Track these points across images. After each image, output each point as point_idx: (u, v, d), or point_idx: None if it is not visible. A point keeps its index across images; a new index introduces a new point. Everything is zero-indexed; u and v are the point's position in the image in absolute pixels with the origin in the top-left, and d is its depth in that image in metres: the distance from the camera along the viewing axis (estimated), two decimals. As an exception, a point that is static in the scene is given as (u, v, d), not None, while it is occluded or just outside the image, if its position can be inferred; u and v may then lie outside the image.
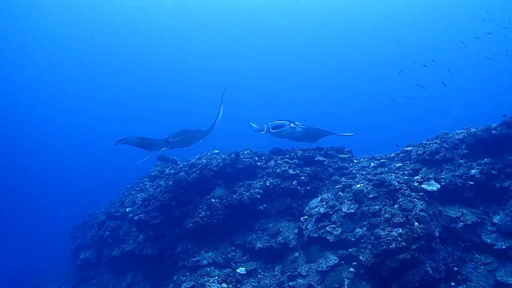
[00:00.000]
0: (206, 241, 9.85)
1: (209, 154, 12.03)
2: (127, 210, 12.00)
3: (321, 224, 8.44)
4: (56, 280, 16.23)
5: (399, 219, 7.57)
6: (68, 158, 52.52)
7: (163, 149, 10.12)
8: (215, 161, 11.06)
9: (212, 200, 9.93)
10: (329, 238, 8.09)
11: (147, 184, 12.94)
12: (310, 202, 9.38)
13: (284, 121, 11.14)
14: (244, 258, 9.27)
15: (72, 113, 60.49)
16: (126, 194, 13.23)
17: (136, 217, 10.77)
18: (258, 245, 9.13)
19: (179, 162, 13.13)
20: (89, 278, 12.56)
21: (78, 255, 13.04)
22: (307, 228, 8.64)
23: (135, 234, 11.22)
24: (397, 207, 7.95)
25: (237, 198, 9.85)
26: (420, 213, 7.68)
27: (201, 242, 9.86)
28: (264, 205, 9.92)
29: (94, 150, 54.64)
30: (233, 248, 9.58)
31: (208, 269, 9.17)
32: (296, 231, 9.20)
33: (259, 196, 9.92)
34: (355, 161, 11.40)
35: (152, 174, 13.40)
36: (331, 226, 8.28)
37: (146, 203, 11.03)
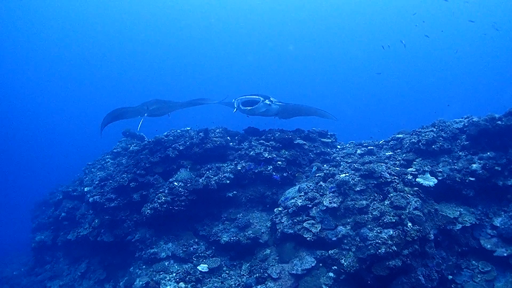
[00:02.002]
0: (166, 230, 8.11)
1: (178, 131, 10.22)
2: (85, 189, 10.13)
3: (297, 218, 6.78)
4: (17, 261, 14.38)
5: (391, 218, 6.07)
6: (43, 130, 49.44)
7: (145, 114, 9.29)
8: (182, 139, 9.25)
9: (175, 183, 8.13)
10: (306, 236, 6.45)
11: (108, 161, 11.05)
12: (286, 192, 7.70)
13: (256, 96, 9.17)
14: (208, 252, 7.57)
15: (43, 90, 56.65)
16: (87, 172, 11.31)
17: (91, 199, 8.97)
18: (224, 238, 7.42)
19: (146, 139, 11.29)
20: (45, 262, 10.81)
21: (34, 236, 11.21)
22: (282, 222, 6.97)
23: (90, 218, 9.44)
24: (387, 204, 6.39)
25: (203, 183, 8.04)
26: (414, 212, 6.21)
27: (161, 230, 8.13)
28: (234, 192, 8.17)
29: (74, 123, 51.79)
30: (196, 240, 7.85)
31: (167, 263, 7.51)
32: (268, 224, 7.53)
33: (228, 182, 8.14)
34: (338, 146, 9.73)
35: (114, 151, 11.46)
36: (309, 222, 6.62)
37: (102, 183, 9.19)
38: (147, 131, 12.04)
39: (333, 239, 6.29)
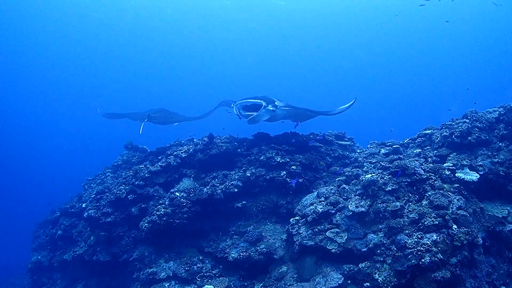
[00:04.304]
0: (167, 247, 6.85)
1: (183, 141, 9.12)
2: (83, 206, 9.00)
3: (319, 227, 5.50)
4: (18, 283, 13.43)
5: (432, 221, 4.84)
6: (53, 148, 47.98)
7: (145, 120, 9.09)
8: (185, 147, 8.12)
9: (177, 194, 6.90)
10: (330, 247, 5.17)
11: (109, 175, 9.90)
12: (303, 199, 6.42)
13: (259, 100, 7.55)
14: (214, 271, 6.25)
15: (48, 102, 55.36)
16: (86, 188, 10.21)
17: (85, 213, 7.81)
18: (233, 255, 6.11)
19: (148, 151, 10.20)
20: (41, 284, 9.50)
21: (31, 256, 10.02)
22: (299, 233, 5.69)
23: (86, 235, 8.24)
24: (426, 204, 5.15)
25: (208, 192, 6.82)
26: (458, 211, 5.03)
27: (161, 247, 6.86)
28: (243, 202, 6.92)
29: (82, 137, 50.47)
30: (201, 257, 6.53)
31: (167, 285, 6.22)
32: (284, 236, 6.23)
33: (236, 190, 6.90)
34: (358, 151, 8.51)
35: (115, 164, 10.33)
36: (333, 230, 5.34)
37: (98, 196, 8.02)
38: (151, 145, 10.97)
39: (363, 249, 5.01)
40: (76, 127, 52.63)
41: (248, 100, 7.63)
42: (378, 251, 4.87)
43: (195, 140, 9.28)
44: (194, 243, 6.88)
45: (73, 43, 39.75)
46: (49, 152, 45.38)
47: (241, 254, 6.03)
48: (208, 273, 6.22)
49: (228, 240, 6.63)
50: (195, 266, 6.33)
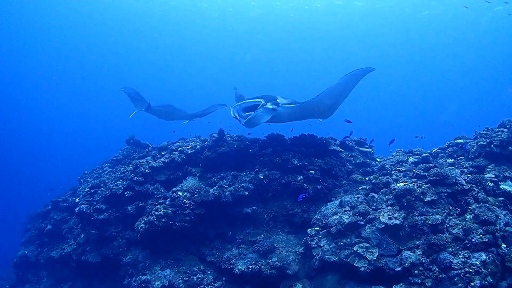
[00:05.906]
0: (165, 253, 6.05)
1: (189, 139, 8.39)
2: (76, 200, 8.22)
3: (344, 240, 4.71)
4: (6, 277, 12.59)
5: (480, 238, 4.09)
6: (52, 142, 47.33)
7: (142, 109, 8.60)
8: (191, 143, 7.39)
9: (179, 193, 6.13)
10: (358, 265, 4.37)
11: (106, 170, 9.11)
12: (323, 208, 5.63)
13: (257, 99, 6.53)
14: (216, 284, 5.42)
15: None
16: (82, 182, 9.43)
17: (77, 208, 7.04)
18: (240, 267, 5.29)
19: (151, 147, 9.48)
20: (26, 281, 8.79)
21: (18, 251, 9.24)
22: (320, 246, 4.89)
23: (76, 232, 7.49)
24: (470, 218, 4.40)
25: (215, 194, 6.05)
26: (507, 228, 4.26)
27: (157, 252, 6.09)
28: (254, 207, 6.16)
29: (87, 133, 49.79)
30: (202, 267, 5.71)
31: (161, 296, 5.43)
32: (300, 249, 5.40)
33: (247, 193, 6.15)
34: (378, 159, 7.77)
35: (114, 158, 9.50)
36: (362, 245, 4.54)
37: (93, 191, 7.26)
38: (155, 143, 10.21)
39: (397, 269, 4.21)
40: (78, 121, 52.31)
41: (247, 101, 6.65)
42: (416, 271, 4.07)
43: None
44: (195, 250, 6.10)
45: (73, 39, 39.17)
46: (52, 146, 45.11)
47: (250, 266, 5.22)
48: (209, 286, 5.40)
49: (234, 249, 5.82)
50: (194, 277, 5.52)
